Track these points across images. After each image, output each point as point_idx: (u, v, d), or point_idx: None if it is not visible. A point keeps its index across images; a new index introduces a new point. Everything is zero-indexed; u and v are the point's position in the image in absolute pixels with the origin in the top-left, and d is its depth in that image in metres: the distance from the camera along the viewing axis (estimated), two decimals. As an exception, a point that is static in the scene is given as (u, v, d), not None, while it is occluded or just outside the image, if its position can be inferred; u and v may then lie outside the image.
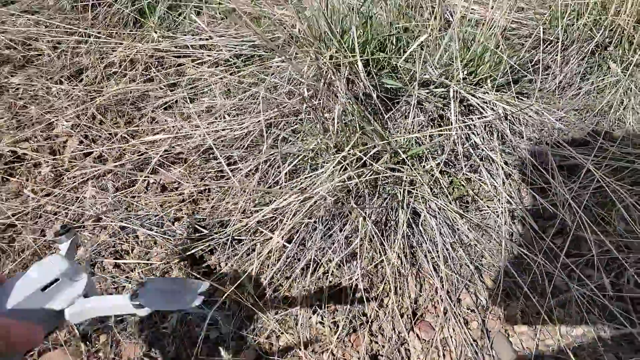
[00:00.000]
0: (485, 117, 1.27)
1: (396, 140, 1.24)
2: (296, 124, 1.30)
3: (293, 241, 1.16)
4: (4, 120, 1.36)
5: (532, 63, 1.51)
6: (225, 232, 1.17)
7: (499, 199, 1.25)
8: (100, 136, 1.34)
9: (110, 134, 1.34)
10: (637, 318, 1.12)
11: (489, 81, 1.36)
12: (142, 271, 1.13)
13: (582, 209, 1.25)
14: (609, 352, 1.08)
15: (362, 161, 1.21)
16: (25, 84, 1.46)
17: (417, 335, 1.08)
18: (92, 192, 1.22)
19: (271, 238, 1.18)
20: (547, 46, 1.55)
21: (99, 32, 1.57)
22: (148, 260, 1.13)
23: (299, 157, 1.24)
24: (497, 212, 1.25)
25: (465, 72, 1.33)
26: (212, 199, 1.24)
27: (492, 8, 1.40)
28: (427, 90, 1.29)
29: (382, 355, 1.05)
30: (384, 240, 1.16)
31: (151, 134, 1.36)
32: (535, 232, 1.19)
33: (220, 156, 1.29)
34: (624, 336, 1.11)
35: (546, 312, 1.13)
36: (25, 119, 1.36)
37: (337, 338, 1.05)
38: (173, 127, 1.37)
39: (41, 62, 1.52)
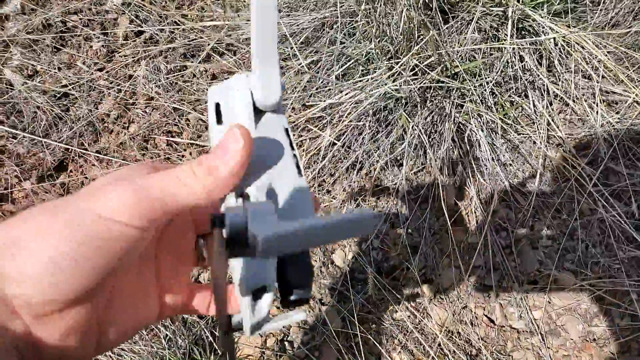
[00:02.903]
0: (538, 38, 1.28)
1: (448, 54, 1.25)
2: (352, 26, 1.29)
3: (341, 141, 1.20)
4: (52, -11, 1.33)
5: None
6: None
7: (540, 124, 1.28)
8: (150, 17, 1.32)
9: (160, 16, 1.33)
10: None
11: (545, 6, 1.35)
12: (192, 152, 1.17)
13: (617, 143, 1.30)
14: (621, 270, 1.17)
15: (414, 71, 1.23)
16: (72, -45, 1.41)
17: (451, 236, 1.15)
18: (144, 71, 1.22)
19: (319, 136, 1.21)
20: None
21: None
22: (200, 143, 1.17)
23: (353, 60, 1.25)
24: (535, 135, 1.29)
25: (524, -6, 1.32)
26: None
27: None
28: (484, 8, 1.28)
29: (421, 250, 1.12)
30: (427, 148, 1.21)
31: (200, 21, 1.35)
32: (573, 156, 1.25)
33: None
34: (635, 259, 1.20)
35: (570, 231, 1.21)
36: (74, -10, 1.33)
37: (377, 230, 1.12)
38: (223, 17, 1.35)
39: None
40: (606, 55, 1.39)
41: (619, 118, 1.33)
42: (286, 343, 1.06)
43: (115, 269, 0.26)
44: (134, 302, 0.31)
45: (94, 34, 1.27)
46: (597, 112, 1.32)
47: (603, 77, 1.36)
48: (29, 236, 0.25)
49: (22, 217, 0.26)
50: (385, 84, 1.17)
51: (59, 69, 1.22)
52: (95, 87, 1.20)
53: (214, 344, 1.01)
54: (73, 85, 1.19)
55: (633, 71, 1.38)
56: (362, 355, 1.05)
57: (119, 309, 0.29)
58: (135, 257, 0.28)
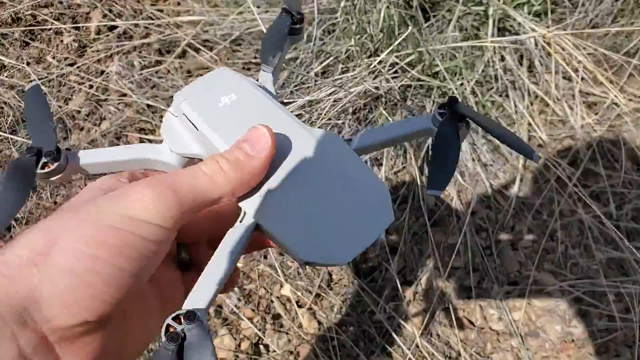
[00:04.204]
0: (519, 36, 1.27)
1: (429, 53, 1.24)
2: (331, 23, 1.27)
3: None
4: (22, -19, 1.29)
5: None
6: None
7: (521, 124, 1.28)
8: (124, 12, 1.28)
9: (135, 10, 1.29)
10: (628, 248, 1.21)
11: (526, 7, 1.35)
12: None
13: (596, 144, 1.30)
14: (599, 271, 1.17)
15: (394, 69, 1.21)
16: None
17: (431, 237, 1.13)
18: (117, 67, 1.19)
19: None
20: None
21: None
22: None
23: (332, 57, 1.23)
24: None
25: (505, -6, 1.32)
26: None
27: None
28: (465, 7, 1.27)
29: (400, 251, 1.11)
30: (408, 148, 1.19)
31: (176, 16, 1.31)
32: (553, 157, 1.24)
33: (249, 47, 1.27)
34: (613, 260, 1.20)
35: (550, 232, 1.20)
36: (45, -17, 1.29)
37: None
38: (200, 12, 1.33)
39: None
40: (586, 57, 1.39)
41: (598, 119, 1.34)
42: (261, 346, 1.04)
43: (142, 277, 0.24)
44: (142, 318, 0.29)
45: (65, 28, 1.23)
46: (576, 113, 1.32)
47: (583, 78, 1.36)
48: (63, 242, 0.23)
49: (52, 220, 0.24)
50: (365, 82, 1.15)
51: (28, 63, 1.17)
52: (65, 83, 1.16)
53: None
54: (42, 80, 1.15)
55: (612, 73, 1.39)
56: (339, 358, 1.03)
57: (133, 326, 0.28)
58: (158, 263, 0.26)
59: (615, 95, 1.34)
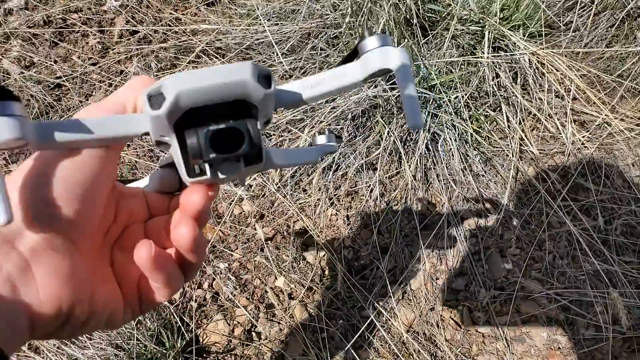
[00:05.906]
0: (513, 54, 1.34)
1: (426, 67, 1.32)
2: (335, 36, 1.36)
3: (319, 142, 1.25)
4: (55, -11, 1.40)
5: (564, 23, 1.57)
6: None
7: (513, 137, 1.34)
8: (146, 19, 1.39)
9: (155, 18, 1.39)
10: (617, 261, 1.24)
11: (521, 29, 1.43)
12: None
13: (586, 161, 1.35)
14: (586, 282, 1.20)
15: (392, 80, 1.29)
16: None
17: (421, 240, 1.18)
18: (136, 68, 1.28)
19: (298, 137, 1.26)
20: (580, 9, 1.60)
21: None
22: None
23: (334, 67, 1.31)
24: (507, 149, 1.34)
25: (501, 16, 1.39)
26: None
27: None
28: (463, 26, 1.35)
29: (391, 251, 1.16)
30: (402, 155, 1.25)
31: (193, 24, 1.42)
32: (544, 170, 1.29)
33: (259, 55, 1.36)
34: (602, 272, 1.23)
35: (538, 242, 1.24)
36: (76, -9, 1.40)
37: (349, 229, 1.16)
38: (215, 22, 1.42)
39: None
40: (579, 78, 1.45)
41: (589, 137, 1.39)
42: (253, 334, 1.08)
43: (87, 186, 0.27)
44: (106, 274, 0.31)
45: (91, 31, 1.33)
46: (568, 130, 1.38)
47: (575, 98, 1.42)
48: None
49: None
50: (364, 91, 1.23)
51: (55, 61, 1.27)
52: (87, 80, 1.26)
53: (182, 328, 1.03)
54: (67, 77, 1.25)
55: (604, 94, 1.45)
56: (328, 350, 1.07)
57: (100, 272, 0.30)
58: (105, 176, 0.28)
59: (607, 115, 1.39)
